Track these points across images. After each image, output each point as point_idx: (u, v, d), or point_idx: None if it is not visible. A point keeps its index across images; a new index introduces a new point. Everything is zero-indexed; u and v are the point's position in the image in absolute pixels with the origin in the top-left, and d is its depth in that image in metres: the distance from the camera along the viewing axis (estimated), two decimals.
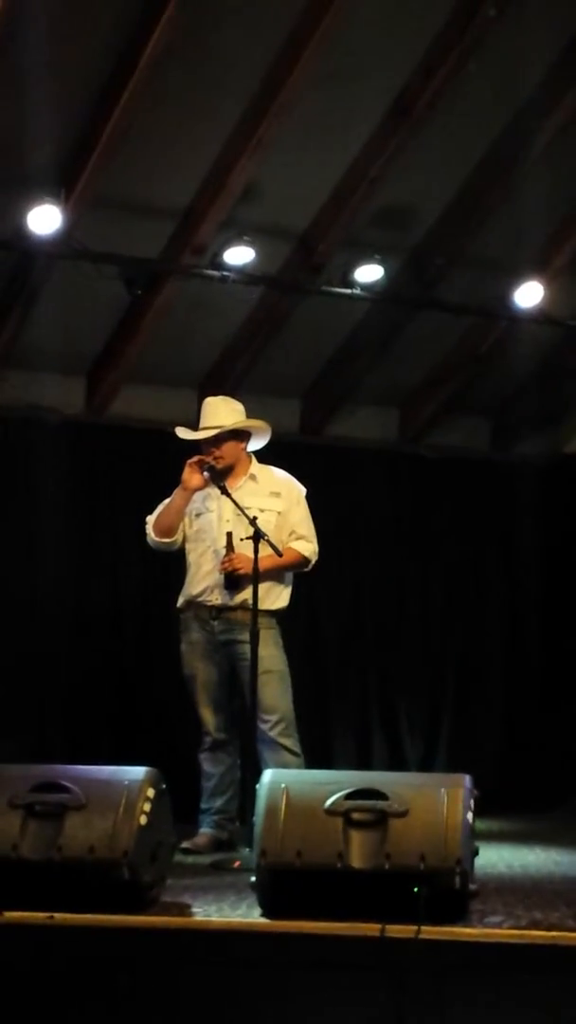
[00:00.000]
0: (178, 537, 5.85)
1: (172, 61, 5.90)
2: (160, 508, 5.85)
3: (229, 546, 5.62)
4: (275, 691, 5.65)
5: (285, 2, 5.95)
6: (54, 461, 7.24)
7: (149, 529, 5.87)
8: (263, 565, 5.48)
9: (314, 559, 5.86)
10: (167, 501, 5.81)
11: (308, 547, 5.82)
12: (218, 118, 6.33)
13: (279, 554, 5.55)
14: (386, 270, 7.03)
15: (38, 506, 7.23)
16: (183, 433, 5.88)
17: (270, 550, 5.49)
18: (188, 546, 5.86)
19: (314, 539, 5.85)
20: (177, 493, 5.76)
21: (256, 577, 5.44)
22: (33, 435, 7.25)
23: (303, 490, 5.92)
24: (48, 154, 6.15)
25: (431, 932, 3.74)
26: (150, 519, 5.88)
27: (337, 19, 5.92)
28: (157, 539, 5.86)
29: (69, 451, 7.33)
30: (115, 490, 7.40)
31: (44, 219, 6.22)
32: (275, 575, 5.71)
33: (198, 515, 5.83)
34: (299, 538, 5.80)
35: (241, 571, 5.59)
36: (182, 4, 5.67)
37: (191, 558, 5.84)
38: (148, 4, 5.74)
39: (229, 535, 5.63)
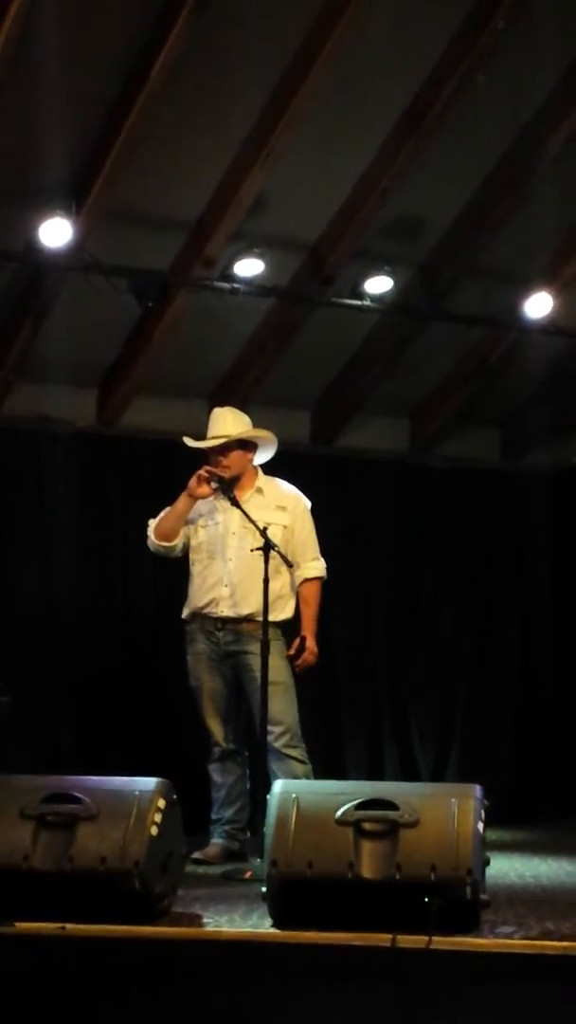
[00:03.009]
0: (178, 543, 5.87)
1: (182, 73, 5.91)
2: (164, 512, 5.88)
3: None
4: (280, 702, 5.65)
5: (295, 14, 5.97)
6: (66, 472, 7.26)
7: (150, 532, 5.91)
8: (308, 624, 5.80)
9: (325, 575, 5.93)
10: (171, 506, 5.86)
11: (322, 565, 5.90)
12: (228, 130, 6.35)
13: (289, 565, 5.62)
14: (396, 281, 7.03)
15: (50, 517, 7.24)
16: (190, 442, 5.91)
17: (289, 607, 5.73)
18: (192, 557, 5.89)
19: (319, 554, 5.92)
20: (181, 499, 5.81)
21: (267, 591, 5.45)
22: (45, 447, 7.26)
23: (308, 504, 5.95)
24: (59, 167, 6.17)
25: (442, 942, 3.76)
26: (152, 522, 5.91)
27: (347, 31, 5.93)
28: (157, 542, 5.90)
29: (81, 462, 7.34)
30: (126, 501, 7.40)
31: (55, 232, 6.24)
32: (280, 588, 5.73)
33: (204, 527, 5.85)
34: (314, 559, 5.86)
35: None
36: (193, 17, 5.69)
37: (195, 569, 5.86)
38: (159, 17, 5.76)
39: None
